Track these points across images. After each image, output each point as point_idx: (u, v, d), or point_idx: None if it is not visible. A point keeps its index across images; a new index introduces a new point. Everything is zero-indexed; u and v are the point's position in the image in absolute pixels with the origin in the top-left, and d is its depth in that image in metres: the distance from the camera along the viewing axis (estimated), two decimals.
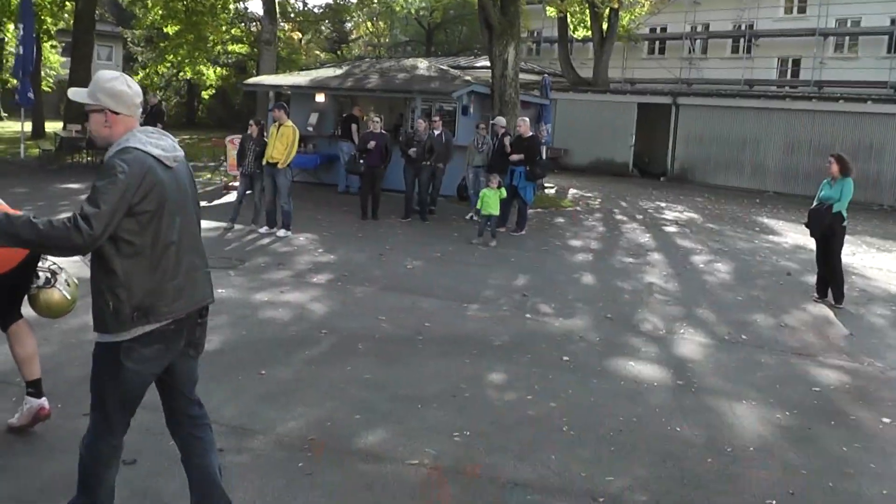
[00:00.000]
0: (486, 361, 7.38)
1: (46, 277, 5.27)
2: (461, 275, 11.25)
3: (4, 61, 36.23)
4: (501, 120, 16.93)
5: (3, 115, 40.79)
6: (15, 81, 25.67)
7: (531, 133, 15.51)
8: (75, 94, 3.97)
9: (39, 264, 5.29)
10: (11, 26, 30.04)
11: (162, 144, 3.85)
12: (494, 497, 4.80)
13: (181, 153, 3.98)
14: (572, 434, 5.80)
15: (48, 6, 30.42)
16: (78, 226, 3.46)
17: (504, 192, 14.05)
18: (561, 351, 7.85)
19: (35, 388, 5.43)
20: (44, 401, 5.43)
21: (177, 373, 4.03)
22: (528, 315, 9.21)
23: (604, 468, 5.26)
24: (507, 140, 15.08)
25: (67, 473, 4.67)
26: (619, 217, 18.71)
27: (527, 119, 15.88)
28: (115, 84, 3.86)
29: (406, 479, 4.95)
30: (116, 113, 3.83)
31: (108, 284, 3.68)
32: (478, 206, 14.11)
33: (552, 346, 7.99)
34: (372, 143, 15.53)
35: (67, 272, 5.43)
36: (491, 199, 13.69)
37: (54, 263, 5.38)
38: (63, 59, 36.70)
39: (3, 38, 34.42)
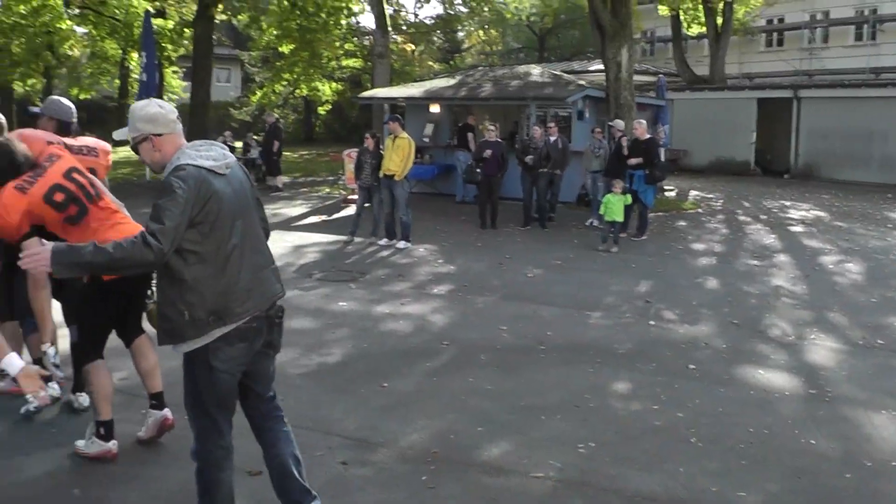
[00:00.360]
0: (610, 370, 7.25)
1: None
2: (582, 282, 11.12)
3: (130, 88, 37.63)
4: (619, 122, 16.72)
5: (115, 138, 42.14)
6: None
7: (648, 135, 15.25)
8: (119, 133, 4.31)
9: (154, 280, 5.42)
10: (135, 55, 31.23)
11: (211, 155, 4.01)
12: None
13: (232, 159, 4.10)
14: (700, 445, 5.63)
15: (169, 34, 31.45)
16: (147, 242, 3.65)
17: (629, 198, 13.83)
18: (686, 359, 7.66)
19: (157, 401, 5.60)
20: (167, 412, 5.58)
21: (254, 371, 4.18)
22: (651, 322, 9.03)
23: (734, 482, 5.07)
24: (624, 143, 14.86)
25: (193, 482, 4.82)
26: (742, 218, 18.23)
27: (643, 121, 15.62)
28: (149, 109, 4.09)
29: (530, 491, 4.88)
30: (160, 135, 4.06)
31: (180, 294, 3.84)
32: (601, 212, 13.93)
33: (677, 354, 7.81)
34: (488, 152, 15.52)
35: None
36: (615, 205, 13.48)
37: None
38: (184, 83, 37.90)
39: (129, 67, 35.76)
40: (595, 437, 5.69)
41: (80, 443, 5.39)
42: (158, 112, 4.08)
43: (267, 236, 4.38)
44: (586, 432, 5.77)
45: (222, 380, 3.98)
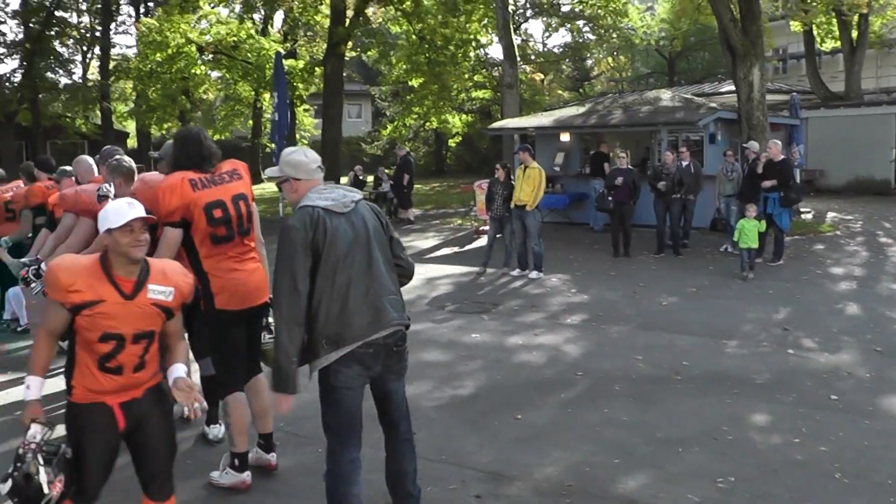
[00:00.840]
0: (748, 401, 7.07)
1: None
2: (718, 310, 10.89)
3: (263, 128, 38.78)
4: (754, 144, 16.33)
5: (263, 177, 43.37)
6: (273, 145, 27.36)
7: (783, 156, 14.87)
8: (269, 171, 4.97)
9: (269, 320, 5.61)
10: (267, 95, 32.16)
11: (331, 196, 4.50)
12: None
13: (353, 197, 4.56)
14: (846, 482, 5.42)
15: (299, 73, 32.26)
16: (289, 290, 4.22)
17: (763, 225, 13.48)
18: (828, 389, 7.41)
19: (266, 441, 5.76)
20: (272, 457, 5.75)
21: (382, 395, 4.58)
22: (790, 350, 8.77)
23: None
24: (759, 164, 14.51)
25: None
26: (883, 240, 17.52)
27: (778, 142, 15.24)
28: (295, 156, 4.69)
29: None
30: (298, 179, 4.62)
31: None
32: (735, 238, 13.64)
33: (818, 384, 7.56)
34: (619, 180, 15.41)
35: None
36: (750, 231, 13.13)
37: None
38: (316, 120, 38.82)
39: (261, 107, 36.86)
40: (734, 471, 5.56)
41: (215, 473, 5.57)
42: (302, 160, 4.65)
43: (408, 273, 4.75)
44: (725, 466, 5.64)
45: (342, 397, 4.32)
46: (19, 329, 10.53)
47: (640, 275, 13.65)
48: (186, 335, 5.50)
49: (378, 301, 4.36)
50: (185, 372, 4.08)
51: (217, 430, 6.33)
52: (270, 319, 5.60)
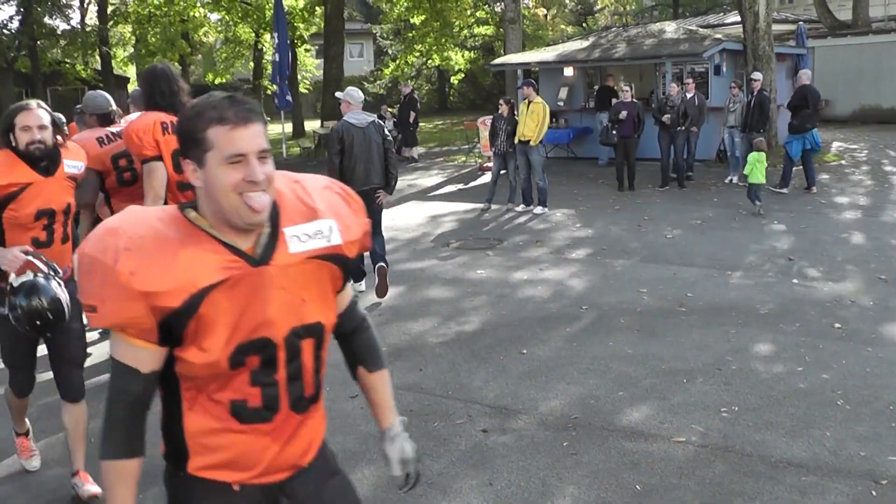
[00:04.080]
0: (752, 331, 7.09)
1: None
2: (722, 241, 10.88)
3: (264, 69, 38.54)
4: (758, 75, 16.20)
5: (266, 118, 43.18)
6: (274, 87, 27.20)
7: (807, 83, 14.77)
8: (338, 94, 8.99)
9: None
10: (268, 37, 31.91)
11: (356, 117, 8.56)
12: (767, 477, 4.59)
13: (368, 119, 8.63)
14: (847, 409, 5.45)
15: (300, 13, 31.97)
16: (330, 160, 8.67)
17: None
18: (832, 318, 7.42)
19: None
20: None
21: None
22: (794, 280, 8.78)
23: (884, 447, 4.89)
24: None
25: (338, 451, 4.90)
26: (888, 169, 17.43)
27: (808, 71, 15.19)
28: (351, 91, 8.87)
29: (673, 457, 4.83)
30: (349, 103, 8.65)
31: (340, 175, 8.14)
32: (745, 172, 13.54)
33: (822, 313, 7.57)
34: (623, 113, 15.29)
35: None
36: (757, 166, 12.94)
37: None
38: (317, 60, 38.50)
39: (262, 49, 36.59)
40: (738, 400, 5.59)
41: None
42: (354, 95, 8.75)
43: (390, 162, 8.68)
44: (729, 396, 5.67)
45: None
46: None
47: (644, 208, 13.63)
48: None
49: (368, 173, 8.48)
50: None
51: None
52: None
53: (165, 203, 5.22)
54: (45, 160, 4.39)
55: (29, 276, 4.15)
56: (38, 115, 4.34)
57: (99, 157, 5.66)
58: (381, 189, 8.52)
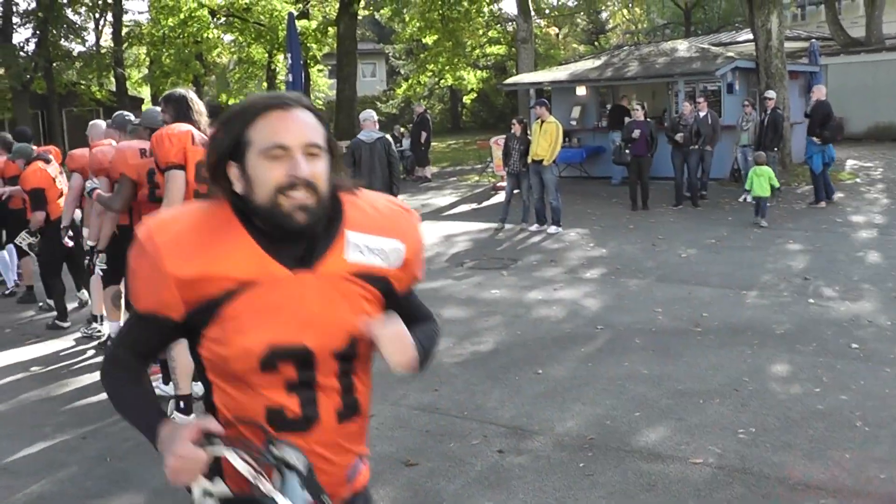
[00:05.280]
0: (768, 352, 7.05)
1: None
2: (737, 260, 10.85)
3: (277, 89, 38.71)
4: (771, 93, 16.19)
5: None
6: None
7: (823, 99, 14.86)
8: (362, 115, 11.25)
9: None
10: (281, 57, 32.09)
11: (366, 135, 10.70)
12: (785, 500, 4.54)
13: (375, 137, 10.64)
14: (866, 430, 5.39)
15: (313, 34, 32.14)
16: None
17: (770, 172, 13.39)
18: (849, 338, 7.37)
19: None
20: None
21: None
22: (810, 300, 8.73)
23: None
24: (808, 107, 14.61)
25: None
26: None
27: (822, 86, 15.26)
28: (366, 113, 11.07)
29: (690, 478, 4.80)
30: (365, 122, 10.94)
31: None
32: (747, 187, 13.60)
33: (839, 333, 7.51)
34: (636, 132, 15.30)
35: None
36: (759, 180, 13.10)
37: None
38: (330, 80, 38.71)
39: (275, 69, 36.80)
40: (755, 422, 5.54)
41: None
42: (366, 117, 11.00)
43: (395, 178, 10.84)
44: (746, 417, 5.63)
45: None
46: (6, 293, 10.80)
47: (658, 227, 13.61)
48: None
49: (372, 181, 10.19)
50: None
51: (198, 388, 6.39)
52: None
53: None
54: None
55: None
56: None
57: (137, 168, 6.00)
58: (388, 193, 9.96)
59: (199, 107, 5.74)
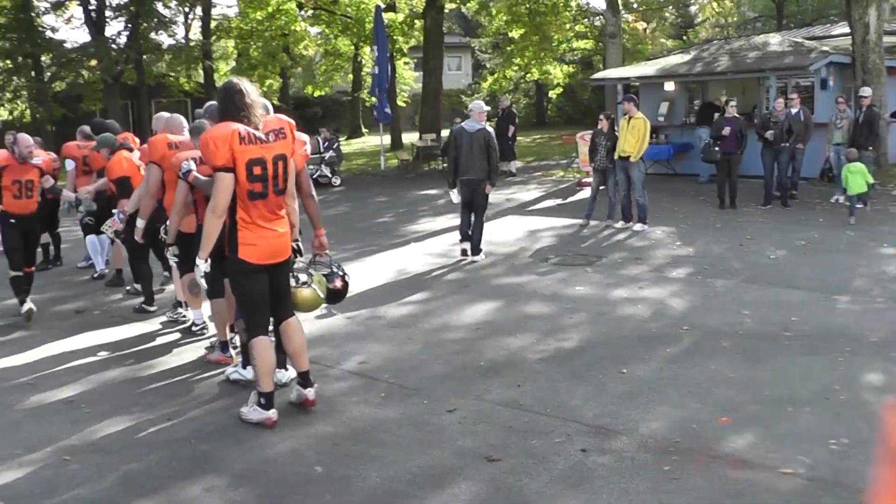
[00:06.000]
0: (862, 360, 6.84)
1: (300, 277, 6.12)
2: (828, 263, 10.60)
3: (363, 82, 39.02)
4: (867, 90, 15.76)
5: (364, 130, 43.88)
6: (374, 99, 27.51)
7: None
8: (476, 104, 11.77)
9: (296, 266, 6.07)
10: (367, 49, 32.30)
11: (469, 124, 11.38)
12: None
13: (477, 127, 11.30)
14: None
15: (399, 26, 32.24)
16: (449, 154, 11.89)
17: (864, 168, 13.07)
18: None
19: (303, 379, 6.04)
20: (309, 392, 6.03)
21: (474, 200, 10.31)
22: None
23: None
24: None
25: (434, 465, 5.03)
26: None
27: None
28: (477, 103, 11.66)
29: (779, 489, 4.67)
30: (471, 112, 11.51)
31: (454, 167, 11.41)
32: (843, 186, 13.29)
33: None
34: (726, 129, 15.05)
35: (319, 275, 6.27)
36: (853, 177, 12.79)
37: (311, 266, 6.28)
38: (415, 73, 38.82)
39: (361, 61, 37.06)
40: (848, 432, 5.36)
41: (244, 409, 5.90)
42: (475, 108, 11.49)
43: (493, 168, 11.40)
44: (838, 427, 5.46)
45: (459, 188, 11.62)
46: (95, 276, 11.14)
47: (746, 227, 13.37)
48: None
49: (470, 168, 11.26)
50: None
51: (281, 375, 6.49)
52: (297, 265, 6.11)
53: (233, 213, 5.51)
54: None
55: None
56: None
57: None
58: (485, 181, 11.34)
59: (248, 98, 5.55)
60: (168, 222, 7.41)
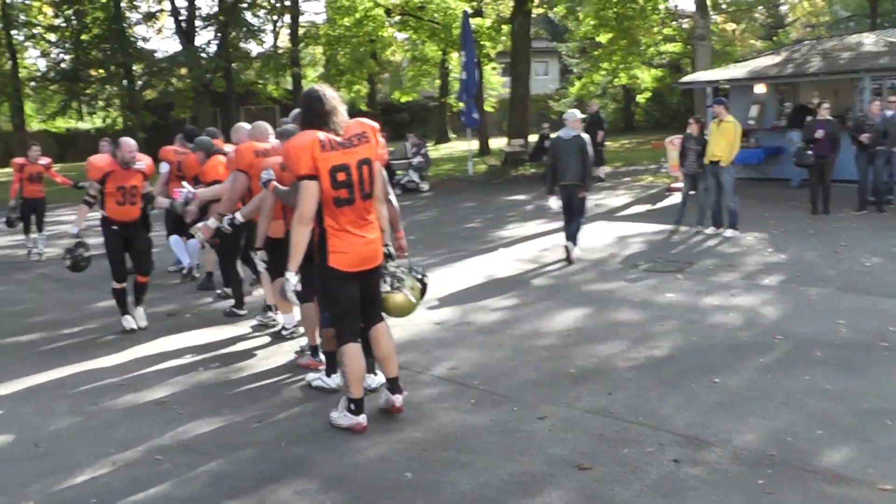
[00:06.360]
0: None
1: (392, 282, 6.00)
2: None
3: (450, 87, 39.18)
4: None
5: (452, 136, 44.06)
6: (461, 104, 27.62)
7: None
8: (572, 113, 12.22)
9: (387, 269, 5.98)
10: (455, 54, 32.48)
11: (565, 132, 11.72)
12: None
13: (572, 134, 11.64)
14: None
15: (487, 32, 32.37)
16: (548, 163, 12.43)
17: None
18: None
19: (392, 385, 6.07)
20: (397, 398, 6.06)
21: (570, 204, 11.05)
22: None
23: None
24: None
25: (525, 472, 5.05)
26: None
27: None
28: (572, 112, 12.07)
29: None
30: (567, 121, 11.87)
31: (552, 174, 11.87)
32: None
33: None
34: (820, 132, 14.76)
35: (413, 279, 6.16)
36: None
37: (399, 268, 6.09)
38: (503, 79, 38.90)
39: (449, 67, 37.26)
40: None
41: (334, 414, 5.96)
42: (568, 117, 11.95)
43: (588, 173, 11.72)
44: None
45: (558, 194, 11.97)
46: (185, 272, 11.49)
47: (840, 233, 13.10)
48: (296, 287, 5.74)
49: (566, 173, 11.61)
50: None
51: (370, 380, 6.56)
52: (389, 269, 6.00)
53: (321, 221, 5.56)
54: None
55: None
56: None
57: None
58: (580, 186, 11.72)
59: (327, 105, 5.58)
60: (232, 216, 7.71)
